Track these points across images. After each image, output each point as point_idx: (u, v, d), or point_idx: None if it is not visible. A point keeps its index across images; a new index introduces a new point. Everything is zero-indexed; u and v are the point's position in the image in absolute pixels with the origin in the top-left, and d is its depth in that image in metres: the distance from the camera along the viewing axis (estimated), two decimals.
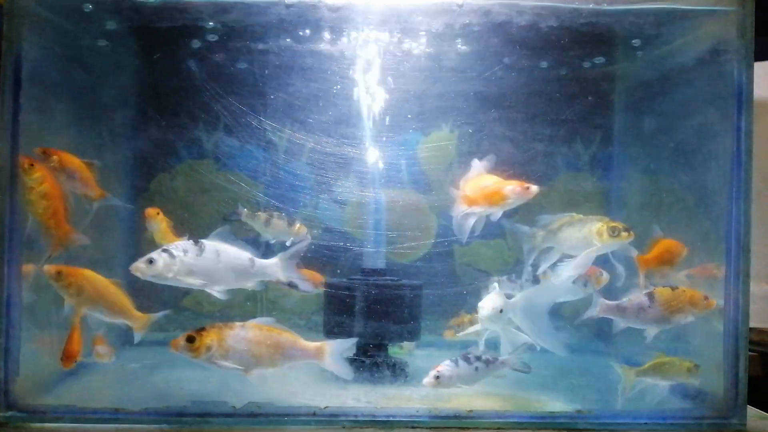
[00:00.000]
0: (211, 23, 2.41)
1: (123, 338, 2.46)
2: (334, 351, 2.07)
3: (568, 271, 2.23)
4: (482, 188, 2.27)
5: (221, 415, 2.05)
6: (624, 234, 2.17)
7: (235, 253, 2.07)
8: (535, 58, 2.65)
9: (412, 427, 2.04)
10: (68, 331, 2.16)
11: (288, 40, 2.55)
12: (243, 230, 2.55)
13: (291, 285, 2.15)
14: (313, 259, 2.46)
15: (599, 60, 2.76)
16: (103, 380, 2.35)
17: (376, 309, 2.52)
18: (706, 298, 2.20)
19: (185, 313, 2.94)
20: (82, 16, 2.35)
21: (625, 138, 3.02)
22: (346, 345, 2.10)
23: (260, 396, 2.09)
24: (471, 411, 2.09)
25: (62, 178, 2.17)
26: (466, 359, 2.21)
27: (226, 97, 2.57)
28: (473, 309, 2.40)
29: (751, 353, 2.18)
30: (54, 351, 2.18)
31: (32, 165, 2.09)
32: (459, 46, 2.58)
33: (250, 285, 2.12)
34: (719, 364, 2.18)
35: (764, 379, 3.00)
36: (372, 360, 2.49)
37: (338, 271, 2.64)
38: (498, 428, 2.05)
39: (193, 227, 2.78)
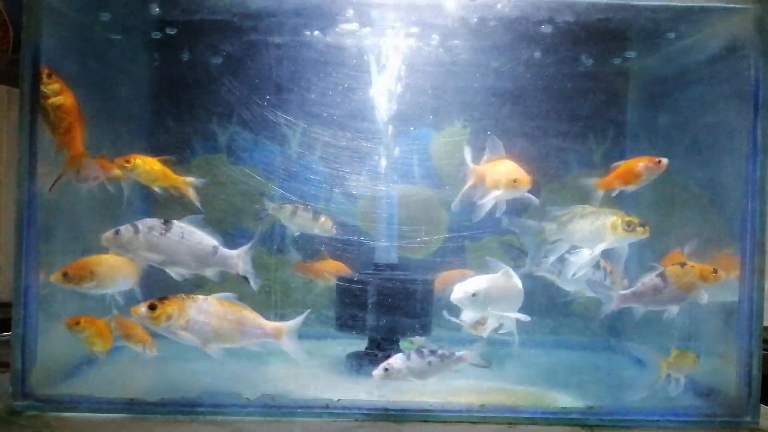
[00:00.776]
0: (227, 17, 2.42)
1: None
2: (291, 332, 2.08)
3: (579, 264, 2.22)
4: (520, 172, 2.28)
5: (235, 406, 2.07)
6: (639, 229, 2.15)
7: (200, 239, 2.12)
8: (550, 53, 2.64)
9: (425, 421, 2.05)
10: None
11: (303, 34, 2.55)
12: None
13: (245, 279, 2.17)
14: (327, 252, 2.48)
15: (615, 56, 2.75)
16: (119, 371, 2.37)
17: (387, 303, 2.53)
18: (715, 271, 2.19)
19: None
20: (98, 10, 2.37)
21: (639, 134, 3.00)
22: (300, 324, 2.11)
23: (274, 388, 2.10)
24: (483, 405, 2.10)
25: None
26: (419, 353, 2.21)
27: (241, 90, 2.58)
28: None
29: (764, 352, 2.17)
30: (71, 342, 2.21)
31: (50, 75, 2.10)
32: (473, 41, 2.57)
33: (209, 273, 2.15)
34: (732, 362, 2.17)
35: None
36: (384, 354, 2.49)
37: (350, 265, 2.65)
38: (509, 423, 2.05)
39: (208, 220, 2.82)
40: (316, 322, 2.96)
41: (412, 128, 2.75)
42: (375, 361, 2.45)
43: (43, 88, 2.10)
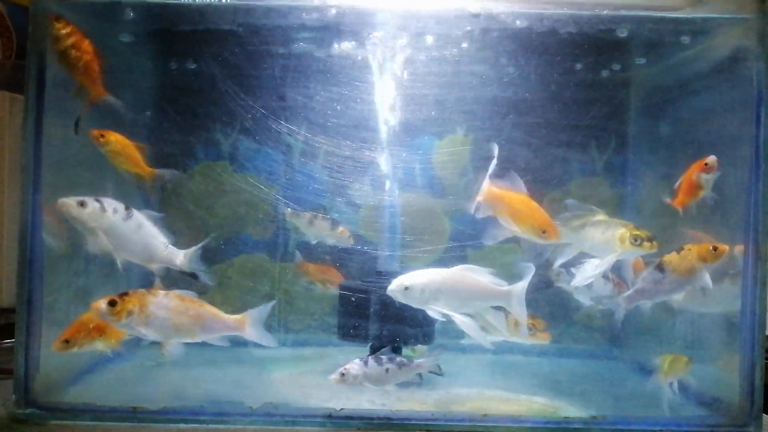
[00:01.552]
0: (230, 26, 2.43)
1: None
2: (255, 320, 2.08)
3: (586, 274, 2.22)
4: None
5: (238, 414, 2.07)
6: (647, 244, 2.11)
7: (154, 233, 2.14)
8: (553, 64, 2.65)
9: (427, 430, 2.05)
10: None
11: (306, 43, 2.56)
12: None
13: (190, 275, 2.19)
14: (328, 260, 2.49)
15: (618, 66, 2.77)
16: (122, 379, 2.37)
17: (389, 311, 2.53)
18: (715, 248, 2.17)
19: None
20: (104, 17, 2.38)
21: (641, 144, 3.01)
22: (265, 312, 2.11)
23: (276, 396, 2.10)
24: (486, 415, 2.10)
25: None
26: (377, 360, 2.21)
27: (243, 99, 2.59)
28: None
29: (767, 361, 2.17)
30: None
31: (58, 19, 2.11)
32: (476, 51, 2.58)
33: (154, 266, 2.17)
34: (735, 372, 2.17)
35: None
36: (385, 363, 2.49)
37: (352, 273, 2.66)
38: None
39: (210, 227, 2.83)
40: (318, 330, 2.98)
41: (414, 137, 2.76)
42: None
43: (54, 32, 2.09)
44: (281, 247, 2.92)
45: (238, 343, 2.24)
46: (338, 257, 2.73)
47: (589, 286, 2.42)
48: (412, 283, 2.15)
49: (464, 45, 2.54)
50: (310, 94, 2.64)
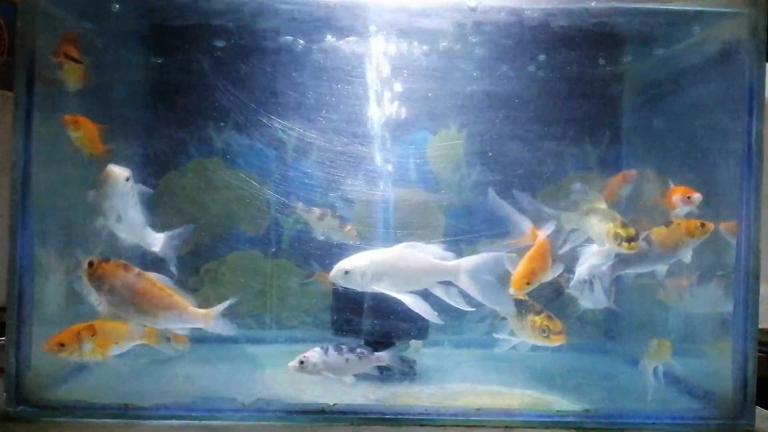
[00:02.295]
0: (222, 22, 2.42)
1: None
2: (217, 316, 2.07)
3: (581, 277, 2.23)
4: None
5: (230, 411, 2.06)
6: (624, 244, 2.08)
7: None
8: (545, 58, 2.65)
9: (421, 425, 2.04)
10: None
11: (298, 38, 2.56)
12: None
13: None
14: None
15: (610, 60, 2.76)
16: (113, 376, 2.36)
17: (384, 307, 2.52)
18: (702, 224, 2.19)
19: None
20: (93, 14, 2.37)
21: (635, 137, 3.01)
22: (226, 307, 2.10)
23: (269, 392, 2.09)
24: (479, 409, 2.10)
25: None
26: (338, 349, 2.21)
27: (236, 95, 2.58)
28: None
29: (760, 354, 2.18)
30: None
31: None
32: (469, 46, 2.58)
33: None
34: (728, 364, 2.17)
35: None
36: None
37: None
38: (506, 427, 2.05)
39: (202, 224, 2.82)
40: (312, 326, 2.97)
41: (408, 132, 2.75)
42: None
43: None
44: (274, 244, 2.91)
45: (231, 339, 2.24)
46: (331, 252, 2.72)
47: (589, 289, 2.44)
48: (353, 266, 2.09)
49: (459, 39, 2.54)
50: (304, 89, 2.64)
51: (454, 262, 2.11)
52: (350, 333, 2.55)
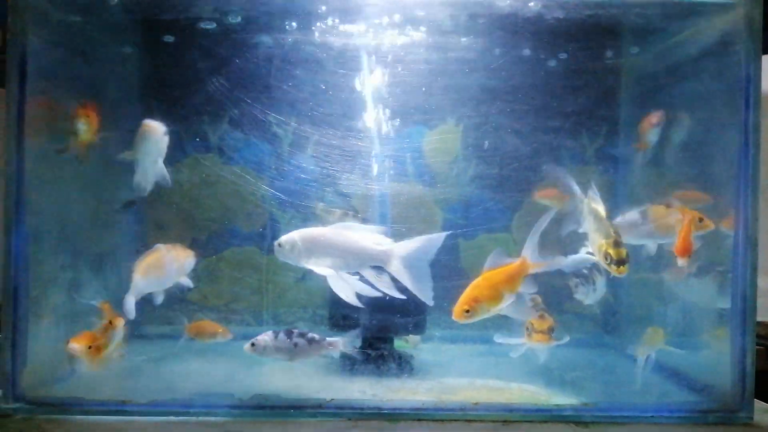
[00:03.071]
0: (215, 14, 2.40)
1: (129, 330, 2.46)
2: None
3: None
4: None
5: (227, 407, 2.05)
6: (613, 267, 1.95)
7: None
8: (540, 50, 2.63)
9: (418, 420, 2.04)
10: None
11: (292, 31, 2.54)
12: None
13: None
14: None
15: (607, 52, 2.75)
16: (110, 372, 2.35)
17: (381, 302, 2.51)
18: (701, 219, 2.15)
19: (191, 307, 2.95)
20: (85, 9, 2.35)
21: (632, 130, 3.00)
22: None
23: (266, 388, 2.09)
24: (477, 403, 2.09)
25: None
26: (288, 334, 2.20)
27: (230, 89, 2.56)
28: None
29: (758, 347, 2.17)
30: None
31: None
32: (464, 38, 2.57)
33: None
34: (727, 357, 2.17)
35: None
36: (377, 353, 2.49)
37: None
38: (504, 421, 2.05)
39: (198, 220, 2.81)
40: (309, 322, 2.96)
41: (404, 126, 2.74)
42: (368, 360, 2.46)
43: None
44: (270, 240, 2.90)
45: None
46: None
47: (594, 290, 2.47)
48: (285, 240, 2.07)
49: (453, 32, 2.53)
50: (299, 83, 2.62)
51: (385, 247, 2.05)
52: (347, 328, 2.54)
